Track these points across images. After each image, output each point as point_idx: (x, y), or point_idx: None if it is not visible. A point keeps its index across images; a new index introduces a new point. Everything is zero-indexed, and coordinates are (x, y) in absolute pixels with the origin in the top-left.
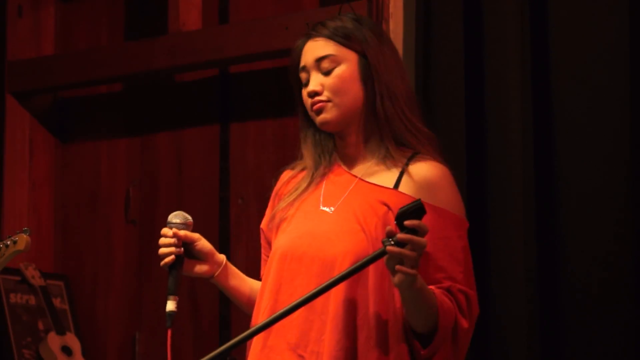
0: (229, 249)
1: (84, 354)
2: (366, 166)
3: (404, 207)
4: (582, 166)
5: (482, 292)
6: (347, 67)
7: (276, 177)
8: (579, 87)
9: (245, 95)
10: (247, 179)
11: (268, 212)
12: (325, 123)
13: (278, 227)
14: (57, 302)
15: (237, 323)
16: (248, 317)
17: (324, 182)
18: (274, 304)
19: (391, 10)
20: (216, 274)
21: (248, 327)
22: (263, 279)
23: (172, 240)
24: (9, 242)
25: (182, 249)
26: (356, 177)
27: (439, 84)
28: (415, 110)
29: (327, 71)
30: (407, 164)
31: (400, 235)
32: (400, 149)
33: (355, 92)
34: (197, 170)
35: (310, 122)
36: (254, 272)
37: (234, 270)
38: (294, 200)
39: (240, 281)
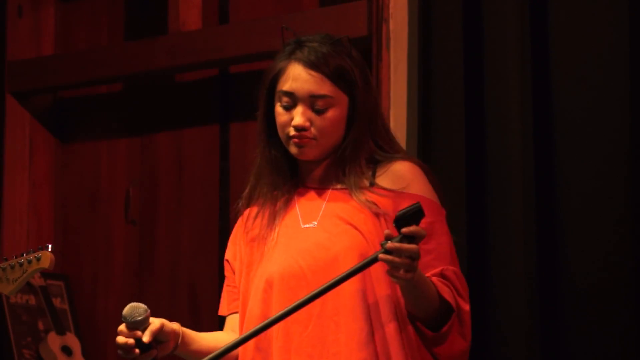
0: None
1: (84, 354)
2: (334, 178)
3: (402, 210)
4: (582, 166)
5: (482, 292)
6: (339, 110)
7: (238, 212)
8: (579, 87)
9: (245, 95)
10: (247, 179)
11: (231, 245)
12: (303, 155)
13: (259, 252)
14: (57, 302)
15: None
16: None
17: (295, 203)
18: (285, 324)
19: (391, 10)
20: (178, 349)
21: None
22: (249, 312)
23: (132, 342)
24: (31, 258)
25: (154, 350)
26: (327, 188)
27: (439, 84)
28: (387, 137)
29: (320, 110)
30: (376, 166)
31: (389, 245)
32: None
33: (340, 133)
34: (197, 170)
35: (271, 136)
36: None
37: (190, 336)
38: (271, 224)
39: (199, 344)
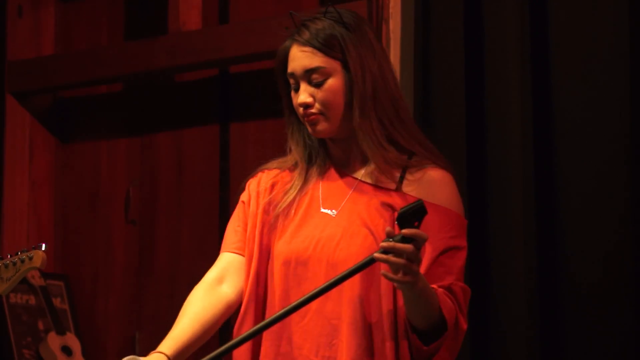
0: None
1: (84, 354)
2: (364, 168)
3: (404, 207)
4: (582, 166)
5: (482, 292)
6: (335, 78)
7: (251, 176)
8: (579, 87)
9: (245, 95)
10: (247, 179)
11: (248, 192)
12: (317, 134)
13: (274, 227)
14: (57, 302)
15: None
16: None
17: (320, 183)
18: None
19: (391, 10)
20: None
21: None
22: (250, 278)
23: None
24: (24, 257)
25: None
26: (356, 179)
27: (439, 84)
28: (401, 109)
29: (318, 83)
30: (406, 165)
31: (384, 244)
32: (395, 149)
33: (344, 101)
34: (197, 170)
35: (296, 120)
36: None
37: (175, 346)
38: (293, 202)
39: (188, 345)
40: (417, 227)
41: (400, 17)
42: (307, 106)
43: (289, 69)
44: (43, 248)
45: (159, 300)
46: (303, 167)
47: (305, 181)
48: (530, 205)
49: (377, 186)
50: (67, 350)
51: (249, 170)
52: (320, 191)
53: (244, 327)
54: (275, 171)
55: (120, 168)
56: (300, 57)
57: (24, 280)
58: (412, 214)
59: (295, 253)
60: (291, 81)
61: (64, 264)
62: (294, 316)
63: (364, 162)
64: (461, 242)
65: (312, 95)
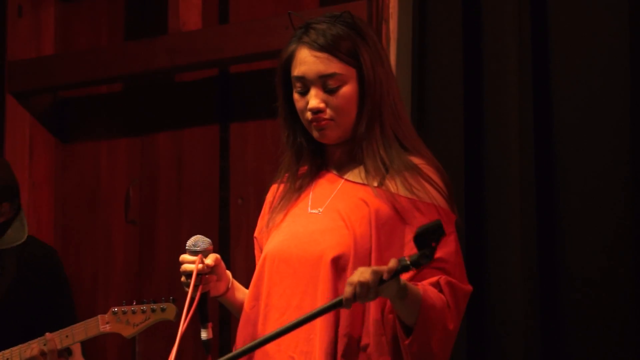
0: (228, 249)
1: (84, 354)
2: (352, 167)
3: (422, 226)
4: (582, 166)
5: (481, 292)
6: (350, 86)
7: (266, 190)
8: (578, 87)
9: (245, 95)
10: (247, 179)
11: (260, 221)
12: (325, 138)
13: (269, 234)
14: None
15: (237, 323)
16: None
17: (313, 187)
18: (265, 308)
19: (391, 10)
20: (228, 292)
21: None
22: (251, 282)
23: (201, 267)
24: (155, 307)
25: (214, 275)
26: (341, 178)
27: (438, 84)
28: (402, 115)
29: (332, 89)
30: (392, 162)
31: (352, 291)
32: (388, 151)
33: (355, 109)
34: (197, 170)
35: (294, 122)
36: (253, 271)
37: (237, 284)
38: (285, 207)
39: (243, 294)
40: (435, 247)
41: (400, 17)
42: (318, 111)
43: (298, 72)
44: (174, 302)
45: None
46: (295, 173)
47: (299, 187)
48: (530, 205)
49: (361, 184)
50: (67, 350)
51: (249, 170)
52: (311, 194)
53: (242, 330)
54: (281, 184)
55: (120, 168)
56: (314, 62)
57: None
58: (430, 234)
59: (278, 251)
60: (298, 84)
61: (64, 264)
62: (274, 313)
63: (353, 162)
64: (447, 237)
65: (324, 101)
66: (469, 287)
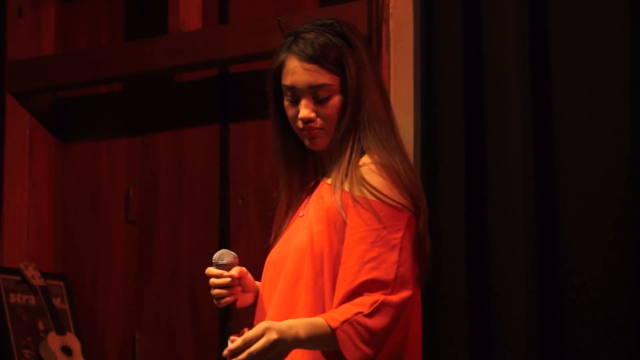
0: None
1: (84, 354)
2: (336, 172)
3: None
4: (582, 166)
5: (482, 292)
6: (338, 96)
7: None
8: (579, 87)
9: (245, 95)
10: (247, 179)
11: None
12: (315, 146)
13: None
14: (57, 302)
15: (236, 323)
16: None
17: (306, 194)
18: (259, 314)
19: (391, 10)
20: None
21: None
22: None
23: (228, 281)
24: None
25: (239, 287)
26: (325, 182)
27: (439, 83)
28: (380, 120)
29: (322, 99)
30: (344, 161)
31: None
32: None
33: (341, 116)
34: (197, 170)
35: (285, 131)
36: (253, 271)
37: (253, 281)
38: (288, 215)
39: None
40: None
41: (401, 17)
42: (309, 121)
43: (288, 82)
44: None
45: (159, 300)
46: (290, 181)
47: (293, 197)
48: (530, 205)
49: (327, 184)
50: (67, 350)
51: (249, 170)
52: (305, 201)
53: None
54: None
55: (120, 168)
56: (303, 73)
57: (24, 280)
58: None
59: (269, 258)
60: (288, 93)
61: (64, 264)
62: (264, 319)
63: (338, 166)
64: (388, 233)
65: (314, 111)
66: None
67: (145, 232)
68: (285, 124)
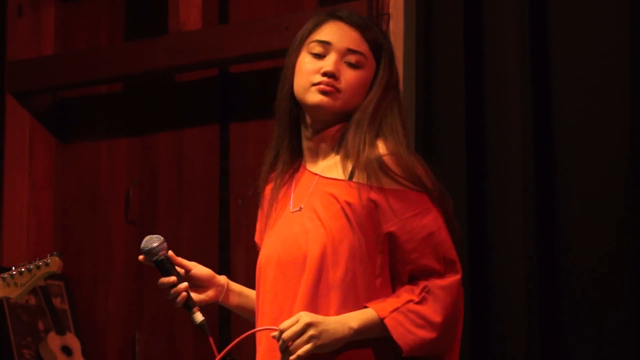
0: (229, 249)
1: (84, 354)
2: (325, 161)
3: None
4: (582, 166)
5: (482, 291)
6: (367, 73)
7: (263, 180)
8: (579, 86)
9: (245, 95)
10: (247, 179)
11: (258, 224)
12: (323, 107)
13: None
14: (57, 302)
15: (237, 323)
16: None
17: (294, 186)
18: (260, 316)
19: (391, 10)
20: (221, 298)
21: (248, 328)
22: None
23: (173, 279)
24: (40, 264)
25: (183, 284)
26: (316, 175)
27: (439, 83)
28: (402, 125)
29: (351, 64)
30: (359, 154)
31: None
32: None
33: (361, 98)
34: (197, 170)
35: (295, 110)
36: (253, 272)
37: (237, 288)
38: (275, 209)
39: (246, 298)
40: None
41: (401, 16)
42: (331, 75)
43: (325, 37)
44: (58, 255)
45: (159, 300)
46: (282, 175)
47: (284, 184)
48: (530, 205)
49: (331, 179)
50: (67, 350)
51: (249, 170)
52: (292, 192)
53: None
54: (268, 187)
55: (120, 168)
56: (348, 34)
57: None
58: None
59: (268, 256)
60: (318, 48)
61: (64, 264)
62: (268, 320)
63: (325, 156)
64: (422, 218)
65: (340, 72)
66: (450, 279)
67: (145, 232)
68: (292, 115)
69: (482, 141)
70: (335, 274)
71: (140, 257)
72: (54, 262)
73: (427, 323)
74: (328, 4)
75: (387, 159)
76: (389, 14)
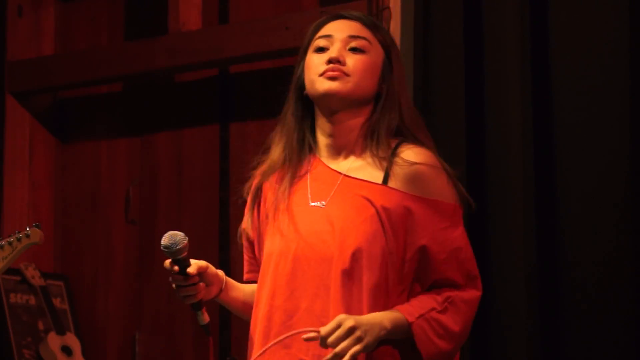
0: (229, 249)
1: (84, 354)
2: (349, 160)
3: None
4: (582, 166)
5: (482, 292)
6: (374, 58)
7: (251, 177)
8: (579, 86)
9: (245, 95)
10: (247, 179)
11: (247, 212)
12: (333, 94)
13: (267, 229)
14: (57, 302)
15: (237, 324)
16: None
17: (308, 176)
18: (270, 309)
19: (391, 10)
20: (221, 293)
21: (248, 328)
22: (260, 282)
23: (194, 283)
24: (20, 236)
25: (202, 283)
26: (339, 173)
27: (439, 82)
28: (415, 117)
29: (356, 49)
30: (392, 155)
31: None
32: (387, 140)
33: (373, 84)
34: (197, 170)
35: (303, 112)
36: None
37: (231, 282)
38: (281, 197)
39: (238, 291)
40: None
41: (400, 16)
42: (336, 61)
43: (326, 32)
44: (39, 226)
45: (159, 300)
46: (293, 162)
47: (294, 176)
48: (530, 205)
49: (362, 180)
50: (67, 350)
51: (249, 171)
52: (308, 184)
53: (254, 330)
54: (269, 182)
55: (120, 168)
56: (347, 25)
57: (24, 280)
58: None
59: (287, 250)
60: (321, 43)
61: (64, 264)
62: (280, 315)
63: (347, 155)
64: (453, 231)
65: (344, 57)
66: (472, 294)
67: (145, 232)
68: (304, 113)
69: (482, 141)
70: (370, 278)
71: (167, 261)
72: (35, 233)
73: (447, 333)
74: (328, 4)
75: (424, 169)
76: (389, 8)
